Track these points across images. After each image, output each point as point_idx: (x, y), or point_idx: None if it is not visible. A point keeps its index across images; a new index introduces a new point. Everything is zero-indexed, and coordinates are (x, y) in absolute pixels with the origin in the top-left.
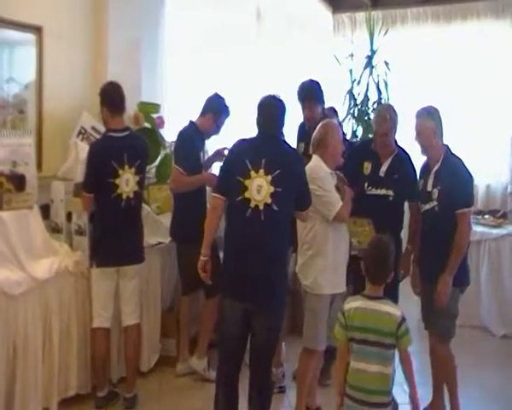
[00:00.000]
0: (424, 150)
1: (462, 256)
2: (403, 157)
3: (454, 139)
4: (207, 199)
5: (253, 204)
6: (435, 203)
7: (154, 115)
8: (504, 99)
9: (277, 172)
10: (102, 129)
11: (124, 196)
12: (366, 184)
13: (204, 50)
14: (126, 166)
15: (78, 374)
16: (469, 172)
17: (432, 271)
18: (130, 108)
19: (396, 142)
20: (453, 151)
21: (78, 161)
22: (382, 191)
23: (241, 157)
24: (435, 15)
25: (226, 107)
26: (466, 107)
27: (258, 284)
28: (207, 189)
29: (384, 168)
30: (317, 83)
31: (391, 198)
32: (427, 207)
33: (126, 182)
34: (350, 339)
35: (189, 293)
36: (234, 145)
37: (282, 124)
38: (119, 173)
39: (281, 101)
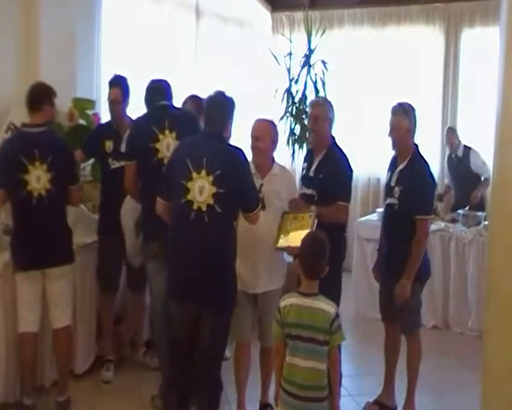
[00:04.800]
0: (395, 146)
1: (420, 262)
2: (333, 156)
3: (386, 139)
4: None
5: (195, 206)
6: (396, 202)
7: (90, 112)
8: (433, 101)
9: (218, 172)
10: None
11: (35, 194)
12: (300, 183)
13: (142, 46)
14: (37, 163)
15: (5, 382)
16: (433, 178)
17: (387, 268)
18: (65, 104)
19: (334, 139)
20: (422, 152)
21: None
22: (309, 191)
23: (183, 157)
24: (371, 17)
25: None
26: None
27: (203, 287)
28: None
29: (313, 168)
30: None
31: (315, 198)
32: (389, 201)
33: (37, 179)
34: (286, 335)
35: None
36: (177, 145)
37: (227, 122)
38: (29, 169)
39: (228, 98)
